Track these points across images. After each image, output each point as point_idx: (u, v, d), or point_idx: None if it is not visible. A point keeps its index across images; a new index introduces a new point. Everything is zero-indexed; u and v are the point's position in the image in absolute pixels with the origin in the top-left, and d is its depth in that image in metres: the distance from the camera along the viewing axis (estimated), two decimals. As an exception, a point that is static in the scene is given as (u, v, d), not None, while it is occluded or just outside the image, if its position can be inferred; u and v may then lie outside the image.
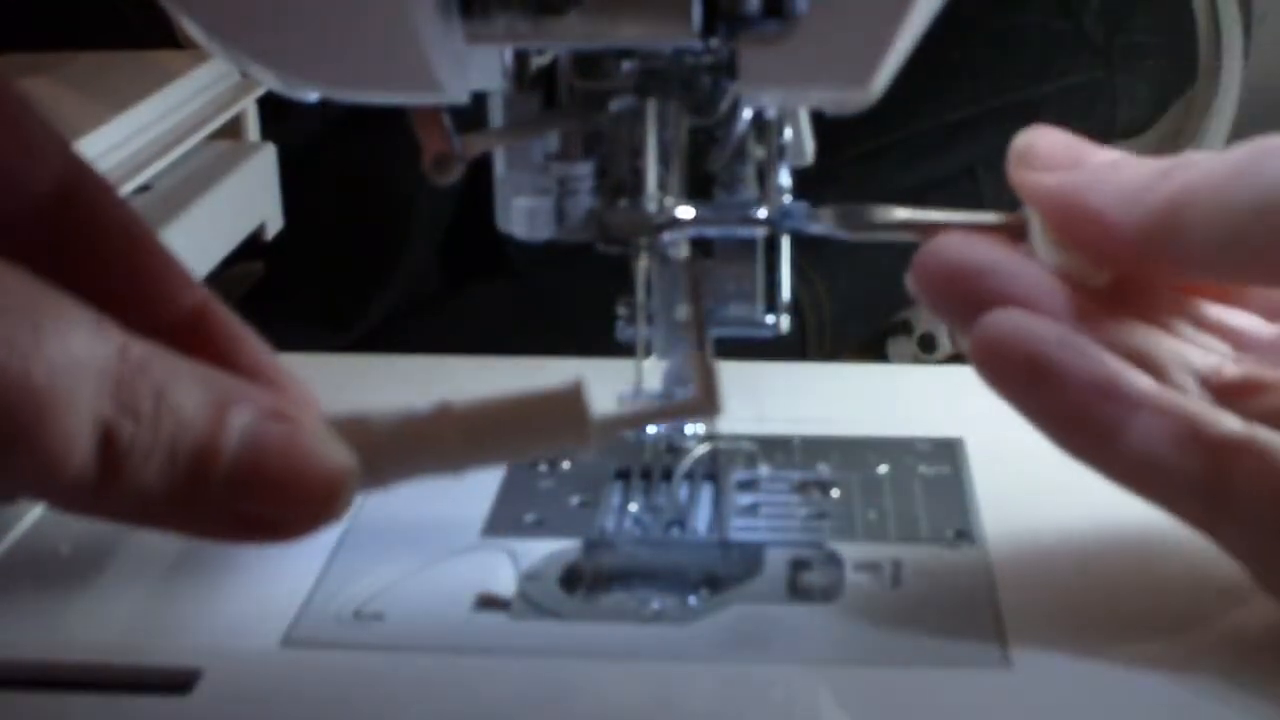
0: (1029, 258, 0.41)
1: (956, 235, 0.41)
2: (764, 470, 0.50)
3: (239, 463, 0.30)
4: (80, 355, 0.28)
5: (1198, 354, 0.40)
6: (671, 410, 0.33)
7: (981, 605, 0.42)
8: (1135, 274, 0.41)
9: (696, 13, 0.35)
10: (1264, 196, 0.38)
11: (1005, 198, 0.44)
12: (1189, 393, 0.39)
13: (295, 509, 0.32)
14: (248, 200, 0.64)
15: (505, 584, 0.44)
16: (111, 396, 0.29)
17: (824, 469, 0.50)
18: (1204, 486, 0.38)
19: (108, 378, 0.29)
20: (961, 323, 0.40)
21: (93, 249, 0.34)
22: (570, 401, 0.33)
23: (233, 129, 0.66)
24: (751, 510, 0.48)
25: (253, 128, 0.68)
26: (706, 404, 0.33)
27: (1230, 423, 0.38)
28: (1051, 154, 0.41)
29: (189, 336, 0.34)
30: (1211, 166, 0.39)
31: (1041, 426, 0.39)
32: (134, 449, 0.29)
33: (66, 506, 0.30)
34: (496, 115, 0.44)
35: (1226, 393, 0.39)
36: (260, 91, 0.66)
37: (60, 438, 0.28)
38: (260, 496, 0.31)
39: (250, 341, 0.36)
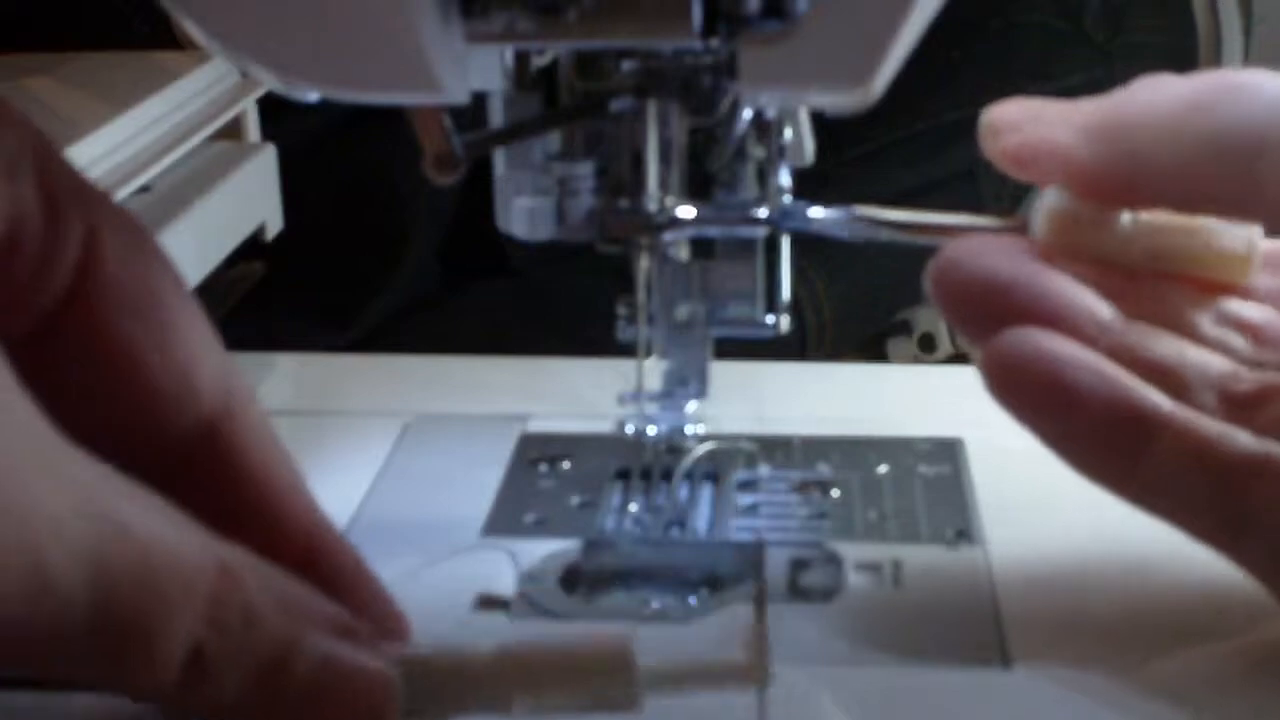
0: (1047, 265, 0.41)
1: (975, 242, 0.41)
2: (764, 470, 0.50)
3: (307, 681, 0.32)
4: (188, 575, 0.30)
5: (1216, 360, 0.40)
6: (719, 673, 0.35)
7: (981, 605, 0.42)
8: (1146, 267, 0.41)
9: (696, 13, 0.35)
10: (1217, 134, 0.38)
11: (1005, 198, 0.44)
12: (1208, 408, 0.39)
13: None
14: (248, 201, 0.64)
15: (505, 584, 0.44)
16: (207, 615, 0.30)
17: (824, 469, 0.50)
18: (1222, 508, 0.37)
19: (207, 596, 0.30)
20: (978, 335, 0.39)
21: (222, 478, 0.36)
22: (620, 663, 0.35)
23: (233, 130, 0.66)
24: (751, 510, 0.48)
25: (253, 128, 0.67)
26: (755, 672, 0.35)
27: (1246, 441, 0.37)
28: (1013, 116, 0.42)
29: (298, 559, 0.36)
30: (1168, 96, 0.39)
31: (1056, 448, 0.39)
32: (218, 663, 0.31)
33: (137, 699, 0.32)
34: (496, 115, 0.44)
35: (1243, 402, 0.39)
36: (260, 92, 0.66)
37: (158, 653, 0.30)
38: (318, 712, 0.33)
39: (358, 567, 0.38)
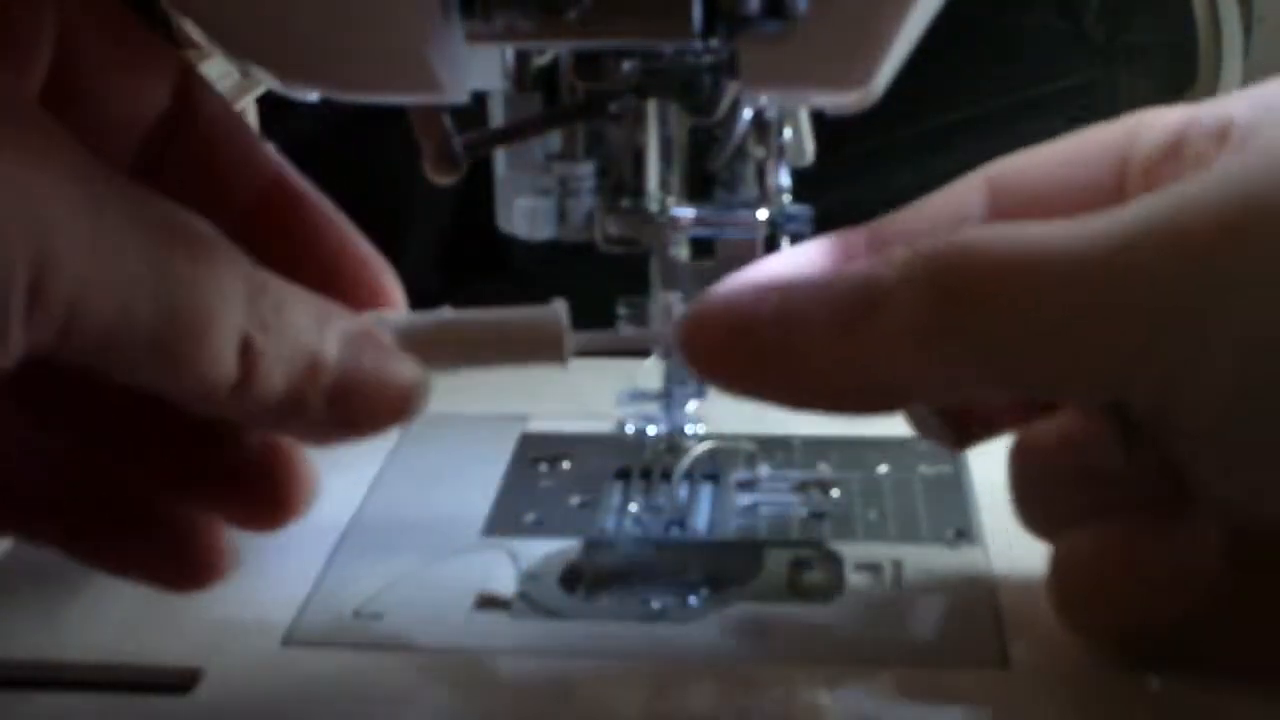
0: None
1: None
2: (764, 470, 0.50)
3: (339, 372, 0.36)
4: (225, 279, 0.33)
5: None
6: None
7: (981, 605, 0.42)
8: None
9: (696, 13, 0.35)
10: None
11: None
12: None
13: (380, 414, 0.37)
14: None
15: (505, 584, 0.44)
16: (246, 312, 0.34)
17: (824, 469, 0.50)
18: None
19: (244, 296, 0.34)
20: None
21: (284, 255, 0.38)
22: (550, 327, 0.40)
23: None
24: (751, 510, 0.48)
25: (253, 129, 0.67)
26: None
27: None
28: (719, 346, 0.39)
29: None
30: None
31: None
32: (264, 355, 0.34)
33: (208, 407, 0.35)
34: (497, 115, 0.44)
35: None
36: (260, 91, 0.66)
37: (217, 347, 0.33)
38: (354, 401, 0.36)
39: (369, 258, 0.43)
